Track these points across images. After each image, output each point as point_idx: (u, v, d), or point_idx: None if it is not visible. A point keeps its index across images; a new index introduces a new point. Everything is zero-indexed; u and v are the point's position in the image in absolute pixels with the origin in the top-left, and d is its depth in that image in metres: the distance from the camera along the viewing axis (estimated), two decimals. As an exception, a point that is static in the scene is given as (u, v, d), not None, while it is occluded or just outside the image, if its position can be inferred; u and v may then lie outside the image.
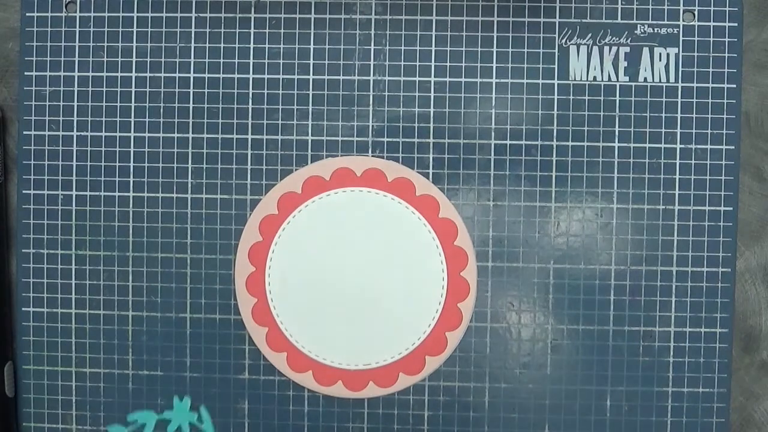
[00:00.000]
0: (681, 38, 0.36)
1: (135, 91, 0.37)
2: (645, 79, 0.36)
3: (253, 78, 0.37)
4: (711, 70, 0.36)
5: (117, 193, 0.37)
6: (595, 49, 0.37)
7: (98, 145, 0.37)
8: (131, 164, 0.37)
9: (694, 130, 0.36)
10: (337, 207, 0.36)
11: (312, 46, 0.37)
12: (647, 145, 0.36)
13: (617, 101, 0.36)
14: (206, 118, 0.37)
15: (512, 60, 0.37)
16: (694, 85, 0.36)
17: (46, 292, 0.37)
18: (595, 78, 0.37)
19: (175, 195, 0.37)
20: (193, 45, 0.37)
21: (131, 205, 0.37)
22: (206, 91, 0.37)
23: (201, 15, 0.37)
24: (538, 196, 0.37)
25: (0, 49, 0.38)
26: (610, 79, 0.36)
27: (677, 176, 0.36)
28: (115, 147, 0.37)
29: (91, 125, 0.37)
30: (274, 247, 0.36)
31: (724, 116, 0.36)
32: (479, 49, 0.37)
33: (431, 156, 0.37)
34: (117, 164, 0.37)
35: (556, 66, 0.37)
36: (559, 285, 0.37)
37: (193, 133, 0.37)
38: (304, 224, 0.36)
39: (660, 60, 0.36)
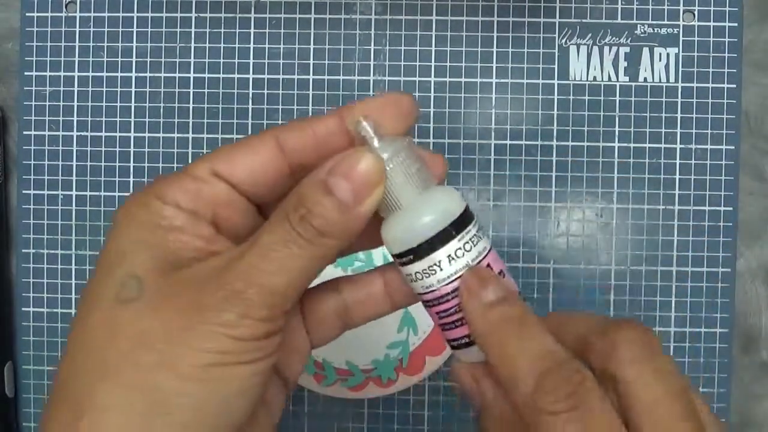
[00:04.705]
0: (681, 38, 0.36)
1: (135, 91, 0.37)
2: (645, 79, 0.36)
3: (253, 78, 0.37)
4: (711, 70, 0.36)
5: (117, 194, 0.37)
6: (595, 49, 0.37)
7: (98, 145, 0.37)
8: (131, 164, 0.37)
9: (694, 130, 0.36)
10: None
11: (312, 46, 0.37)
12: (647, 145, 0.36)
13: (617, 101, 0.36)
14: (206, 118, 0.37)
15: (512, 60, 0.37)
16: (694, 85, 0.36)
17: (46, 292, 0.37)
18: (595, 78, 0.36)
19: (175, 195, 0.37)
20: (193, 45, 0.37)
21: (131, 205, 0.37)
22: (206, 91, 0.37)
23: (201, 15, 0.37)
24: (538, 196, 0.37)
25: (0, 49, 0.38)
26: (610, 79, 0.36)
27: (677, 176, 0.36)
28: (115, 147, 0.37)
29: (91, 125, 0.37)
30: (274, 247, 0.36)
31: (724, 116, 0.36)
32: (479, 49, 0.37)
33: (431, 156, 0.37)
34: (117, 164, 0.37)
35: (556, 66, 0.37)
36: (559, 285, 0.37)
37: (193, 133, 0.37)
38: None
39: (660, 60, 0.36)
